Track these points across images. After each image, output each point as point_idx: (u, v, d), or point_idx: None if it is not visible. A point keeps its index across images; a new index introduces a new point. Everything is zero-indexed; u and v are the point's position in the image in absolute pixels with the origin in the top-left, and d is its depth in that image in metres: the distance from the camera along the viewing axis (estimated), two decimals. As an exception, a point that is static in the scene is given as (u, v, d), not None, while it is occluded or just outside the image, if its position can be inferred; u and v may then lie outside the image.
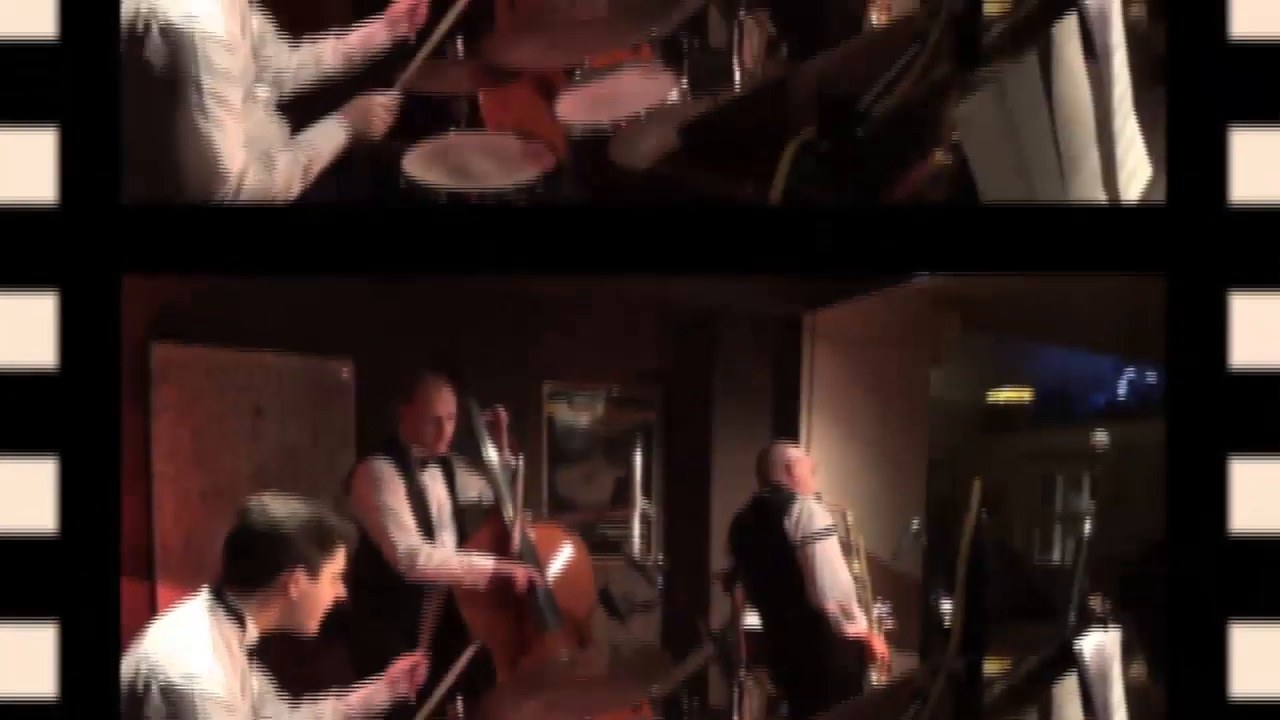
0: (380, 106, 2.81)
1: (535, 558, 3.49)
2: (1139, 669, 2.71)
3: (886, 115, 1.95)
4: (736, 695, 3.60)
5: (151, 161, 2.43)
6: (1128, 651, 2.66)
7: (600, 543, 4.36)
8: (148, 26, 2.41)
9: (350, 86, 2.90)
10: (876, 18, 3.05)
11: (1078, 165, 2.32)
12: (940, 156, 2.07)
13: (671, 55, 3.21)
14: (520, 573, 3.42)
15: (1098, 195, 2.41)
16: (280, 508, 2.34)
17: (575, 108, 3.05)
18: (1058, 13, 2.22)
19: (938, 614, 4.48)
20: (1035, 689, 2.53)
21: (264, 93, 2.72)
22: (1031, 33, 2.19)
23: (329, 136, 2.75)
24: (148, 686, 2.19)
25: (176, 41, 2.41)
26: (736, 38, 3.17)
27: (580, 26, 2.96)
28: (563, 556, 3.59)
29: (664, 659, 3.62)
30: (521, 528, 3.49)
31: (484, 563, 3.42)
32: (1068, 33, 2.25)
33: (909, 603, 4.51)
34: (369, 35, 2.97)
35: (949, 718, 1.99)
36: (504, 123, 3.17)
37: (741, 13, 3.16)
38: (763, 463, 4.10)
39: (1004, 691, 2.42)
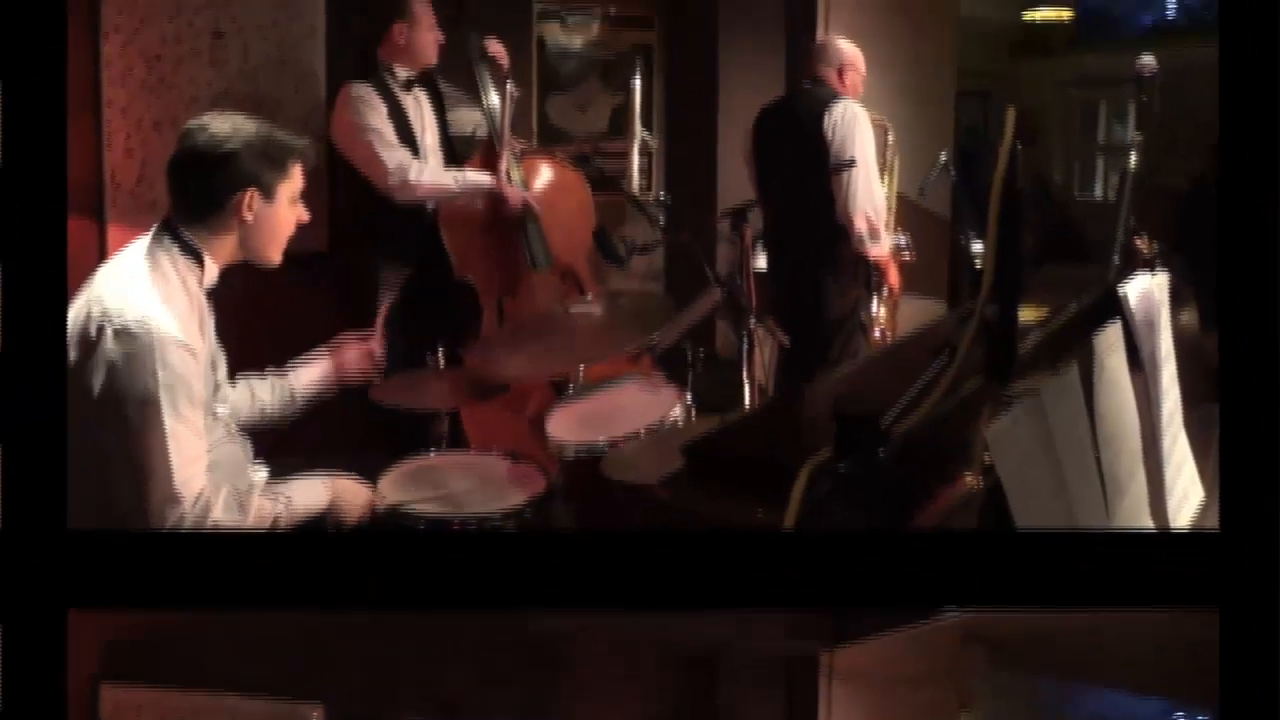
0: (366, 500, 2.67)
1: None
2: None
3: (911, 434, 1.81)
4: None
5: (96, 481, 2.26)
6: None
7: None
8: (101, 330, 2.27)
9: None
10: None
11: (1122, 489, 2.17)
12: (970, 479, 1.93)
13: (675, 367, 3.10)
14: None
15: (1144, 522, 2.28)
16: (224, 125, 2.26)
17: (568, 426, 2.90)
18: (1100, 321, 2.13)
19: None
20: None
21: (224, 412, 2.57)
22: (1072, 343, 2.08)
23: (309, 496, 2.58)
24: (100, 330, 2.20)
25: (131, 345, 2.27)
26: (746, 349, 3.01)
27: (574, 337, 2.83)
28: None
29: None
30: None
31: None
32: (1111, 343, 2.14)
33: None
34: (313, 377, 2.89)
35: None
36: (489, 442, 3.06)
37: (752, 321, 3.02)
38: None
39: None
